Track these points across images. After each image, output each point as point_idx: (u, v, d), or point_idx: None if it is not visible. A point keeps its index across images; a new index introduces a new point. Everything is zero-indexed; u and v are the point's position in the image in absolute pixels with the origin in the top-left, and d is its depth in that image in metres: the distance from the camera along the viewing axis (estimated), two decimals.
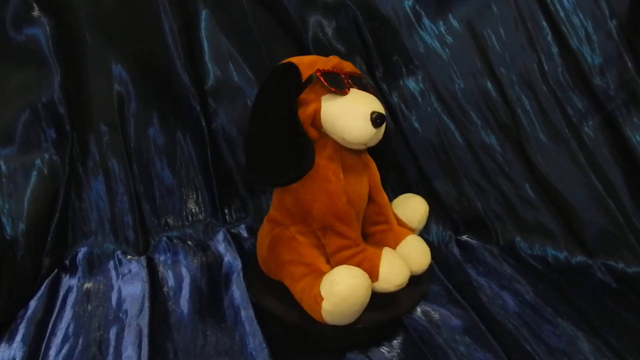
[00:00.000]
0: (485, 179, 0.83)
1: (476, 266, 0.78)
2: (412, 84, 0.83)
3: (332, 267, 0.60)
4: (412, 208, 0.74)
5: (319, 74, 0.61)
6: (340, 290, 0.55)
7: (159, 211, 0.86)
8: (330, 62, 0.65)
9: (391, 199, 0.88)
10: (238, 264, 0.78)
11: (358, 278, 0.56)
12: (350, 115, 0.60)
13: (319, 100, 0.62)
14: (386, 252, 0.61)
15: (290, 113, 0.61)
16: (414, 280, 0.69)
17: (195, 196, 0.87)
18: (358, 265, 0.59)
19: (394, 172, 0.88)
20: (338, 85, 0.61)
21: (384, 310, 0.64)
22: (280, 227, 0.66)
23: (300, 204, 0.63)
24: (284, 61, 0.65)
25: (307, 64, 0.64)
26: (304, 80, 0.63)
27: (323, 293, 0.56)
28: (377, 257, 0.60)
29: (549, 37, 0.76)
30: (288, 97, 0.62)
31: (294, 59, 0.65)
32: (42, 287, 0.75)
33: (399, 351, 0.62)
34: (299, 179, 0.61)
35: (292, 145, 0.61)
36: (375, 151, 0.68)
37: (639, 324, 0.64)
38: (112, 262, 0.81)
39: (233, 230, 0.86)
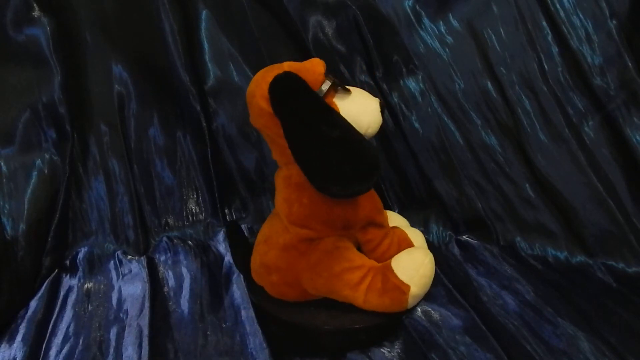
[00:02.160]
0: (485, 179, 0.83)
1: (476, 266, 0.78)
2: (412, 84, 0.83)
3: (377, 258, 0.65)
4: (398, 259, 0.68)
5: (333, 78, 0.61)
6: (427, 270, 0.63)
7: (160, 211, 0.86)
8: (320, 64, 0.63)
9: (392, 200, 0.89)
10: None
11: (429, 254, 0.64)
12: (369, 109, 0.62)
13: (332, 103, 0.61)
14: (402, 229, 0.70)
15: (340, 117, 0.59)
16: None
17: (195, 196, 0.87)
18: (398, 247, 0.67)
19: (394, 172, 0.88)
20: (343, 84, 0.62)
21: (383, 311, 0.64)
22: (314, 243, 0.63)
23: (349, 208, 0.62)
24: (277, 73, 0.59)
25: (306, 70, 0.61)
26: (316, 87, 0.60)
27: (406, 280, 0.61)
28: (404, 233, 0.70)
29: (549, 37, 0.76)
30: (324, 104, 0.59)
31: (285, 69, 0.60)
32: (43, 287, 0.76)
33: (399, 351, 0.62)
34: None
35: (366, 149, 0.57)
36: None
37: (639, 323, 0.64)
38: (112, 262, 0.81)
39: None
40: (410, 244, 0.69)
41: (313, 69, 0.61)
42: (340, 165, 0.55)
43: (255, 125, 0.63)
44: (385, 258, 0.65)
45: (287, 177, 0.64)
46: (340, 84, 0.61)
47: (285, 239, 0.64)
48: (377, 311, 0.62)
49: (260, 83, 0.59)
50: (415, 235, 0.71)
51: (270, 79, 0.58)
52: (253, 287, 0.70)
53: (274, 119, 0.59)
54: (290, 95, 0.58)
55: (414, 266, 0.62)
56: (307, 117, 0.57)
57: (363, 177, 0.55)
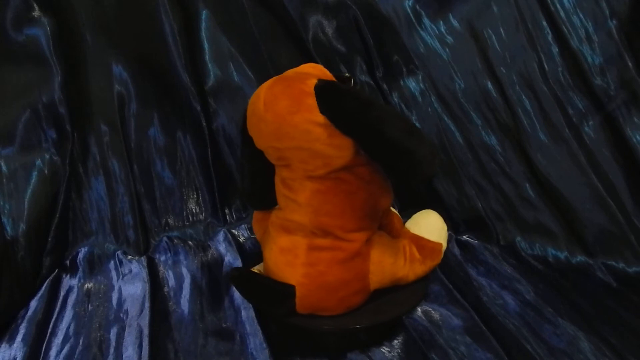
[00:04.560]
0: (485, 178, 0.83)
1: (477, 266, 0.78)
2: (412, 84, 0.83)
3: (396, 235, 0.68)
4: (426, 227, 0.71)
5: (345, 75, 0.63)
6: (443, 224, 0.71)
7: (160, 211, 0.86)
8: (322, 67, 0.65)
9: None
10: (239, 264, 0.78)
11: (433, 211, 0.73)
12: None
13: None
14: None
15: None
16: (415, 280, 0.69)
17: (195, 196, 0.87)
18: (394, 220, 0.72)
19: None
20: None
21: (384, 310, 0.64)
22: (370, 241, 0.63)
23: (387, 196, 0.65)
24: (315, 85, 0.57)
25: (323, 74, 0.62)
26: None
27: (436, 239, 0.69)
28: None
29: (550, 37, 0.76)
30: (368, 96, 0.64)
31: (312, 73, 0.61)
32: (43, 287, 0.76)
33: (399, 351, 0.62)
34: None
35: (421, 131, 0.59)
36: None
37: (639, 323, 0.64)
38: (112, 262, 0.81)
39: (234, 231, 0.86)
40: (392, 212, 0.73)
41: (323, 71, 0.63)
42: (424, 146, 0.54)
43: (290, 146, 0.58)
44: (394, 233, 0.69)
45: (331, 188, 0.60)
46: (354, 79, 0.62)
47: (346, 250, 0.61)
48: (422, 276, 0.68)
49: (296, 101, 0.57)
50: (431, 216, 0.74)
51: (298, 94, 0.57)
52: None
53: (326, 128, 0.56)
54: (346, 94, 0.57)
55: (435, 225, 0.70)
56: (376, 107, 0.56)
57: (435, 158, 0.55)
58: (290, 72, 0.62)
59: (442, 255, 0.70)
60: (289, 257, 0.61)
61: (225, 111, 0.86)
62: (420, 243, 0.68)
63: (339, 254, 0.61)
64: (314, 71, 0.63)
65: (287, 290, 0.60)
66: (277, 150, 0.60)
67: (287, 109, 0.57)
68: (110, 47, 0.81)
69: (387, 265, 0.64)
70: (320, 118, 0.56)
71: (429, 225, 0.70)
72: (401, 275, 0.65)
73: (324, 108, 0.56)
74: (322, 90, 0.57)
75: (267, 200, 0.67)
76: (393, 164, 0.55)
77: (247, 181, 0.67)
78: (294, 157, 0.59)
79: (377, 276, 0.63)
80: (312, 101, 0.56)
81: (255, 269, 0.68)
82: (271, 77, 0.81)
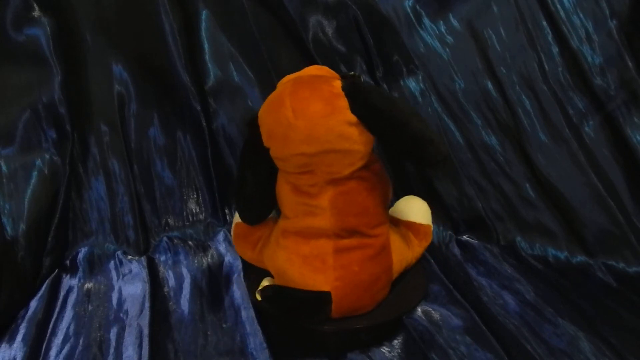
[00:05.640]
0: (485, 178, 0.83)
1: (477, 266, 0.78)
2: (412, 84, 0.83)
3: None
4: (415, 212, 0.74)
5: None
6: (426, 206, 0.75)
7: (160, 211, 0.86)
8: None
9: (392, 199, 0.89)
10: (239, 264, 0.78)
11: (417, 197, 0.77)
12: None
13: None
14: None
15: None
16: (414, 280, 0.70)
17: (195, 196, 0.87)
18: None
19: (394, 172, 0.88)
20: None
21: (384, 310, 0.64)
22: (389, 232, 0.66)
23: (388, 188, 0.67)
24: (339, 83, 0.59)
25: (334, 75, 0.63)
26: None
27: (424, 221, 0.73)
28: None
29: (550, 37, 0.76)
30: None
31: (325, 75, 0.62)
32: (43, 288, 0.76)
33: (399, 351, 0.62)
34: None
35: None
36: None
37: (639, 323, 0.64)
38: (112, 262, 0.81)
39: None
40: None
41: (331, 72, 0.63)
42: (436, 134, 0.59)
43: (321, 150, 0.57)
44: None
45: (354, 188, 0.61)
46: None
47: (374, 246, 0.62)
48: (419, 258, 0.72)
49: (329, 104, 0.57)
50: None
51: (328, 96, 0.57)
52: (253, 287, 0.70)
53: (357, 127, 0.57)
54: (373, 89, 0.62)
55: (422, 208, 0.74)
56: (396, 101, 0.59)
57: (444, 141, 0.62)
58: (305, 77, 0.61)
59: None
60: (316, 264, 0.61)
61: (225, 111, 0.86)
62: (414, 227, 0.72)
63: (369, 250, 0.62)
64: (324, 72, 0.63)
65: (324, 298, 0.60)
66: (304, 157, 0.58)
67: (321, 113, 0.56)
68: (110, 47, 0.81)
69: (403, 253, 0.67)
70: (353, 118, 0.57)
71: (418, 210, 0.74)
72: (410, 259, 0.69)
73: (355, 107, 0.57)
74: (353, 90, 0.57)
75: (263, 215, 0.68)
76: (420, 154, 0.57)
77: (248, 194, 0.65)
78: (321, 162, 0.58)
79: (397, 265, 0.66)
80: (343, 102, 0.57)
81: (269, 283, 0.66)
82: (271, 77, 0.83)
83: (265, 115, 0.60)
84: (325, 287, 0.59)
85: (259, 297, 0.63)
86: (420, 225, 0.72)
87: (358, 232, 0.61)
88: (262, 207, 0.67)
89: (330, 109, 0.56)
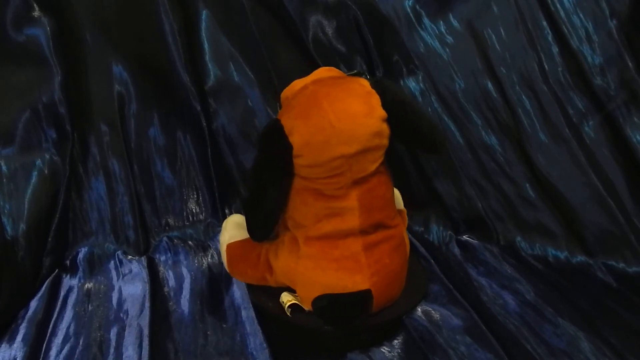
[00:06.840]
0: (485, 178, 0.83)
1: (477, 266, 0.78)
2: (412, 84, 0.83)
3: None
4: None
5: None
6: (399, 193, 0.75)
7: (160, 211, 0.86)
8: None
9: None
10: None
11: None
12: None
13: None
14: None
15: None
16: (414, 280, 0.69)
17: (195, 196, 0.87)
18: None
19: (394, 172, 0.88)
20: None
21: (384, 311, 0.64)
22: (402, 228, 0.67)
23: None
24: (371, 84, 0.61)
25: (343, 75, 0.65)
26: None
27: (400, 206, 0.74)
28: None
29: (550, 37, 0.76)
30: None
31: (339, 75, 0.64)
32: (43, 288, 0.76)
33: (399, 351, 0.62)
34: None
35: None
36: None
37: (639, 323, 0.64)
38: (112, 262, 0.81)
39: None
40: None
41: (339, 73, 0.64)
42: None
43: (359, 149, 0.57)
44: None
45: (376, 184, 0.61)
46: None
47: (395, 236, 0.64)
48: None
49: (367, 103, 0.58)
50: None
51: (364, 95, 0.58)
52: (253, 287, 0.70)
53: (387, 122, 0.59)
54: (391, 83, 0.64)
55: (396, 195, 0.73)
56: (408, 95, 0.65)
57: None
58: (326, 79, 0.61)
59: None
60: (350, 265, 0.60)
61: (225, 111, 0.86)
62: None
63: (393, 241, 0.64)
64: (335, 73, 0.64)
65: (366, 296, 0.60)
66: (342, 159, 0.57)
67: (362, 113, 0.57)
68: (110, 47, 0.81)
69: (406, 237, 0.69)
70: (384, 114, 0.58)
71: (397, 197, 0.74)
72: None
73: (386, 103, 0.58)
74: (382, 87, 0.60)
75: (274, 229, 0.66)
76: (432, 137, 0.61)
77: (269, 210, 0.62)
78: (356, 161, 0.58)
79: (408, 249, 0.68)
80: (375, 99, 0.58)
81: (293, 299, 0.65)
82: (271, 77, 0.83)
83: (301, 124, 0.57)
84: (364, 286, 0.60)
85: (288, 313, 0.63)
86: (400, 210, 0.73)
87: (381, 225, 0.62)
88: (277, 222, 0.65)
89: (369, 109, 0.58)
